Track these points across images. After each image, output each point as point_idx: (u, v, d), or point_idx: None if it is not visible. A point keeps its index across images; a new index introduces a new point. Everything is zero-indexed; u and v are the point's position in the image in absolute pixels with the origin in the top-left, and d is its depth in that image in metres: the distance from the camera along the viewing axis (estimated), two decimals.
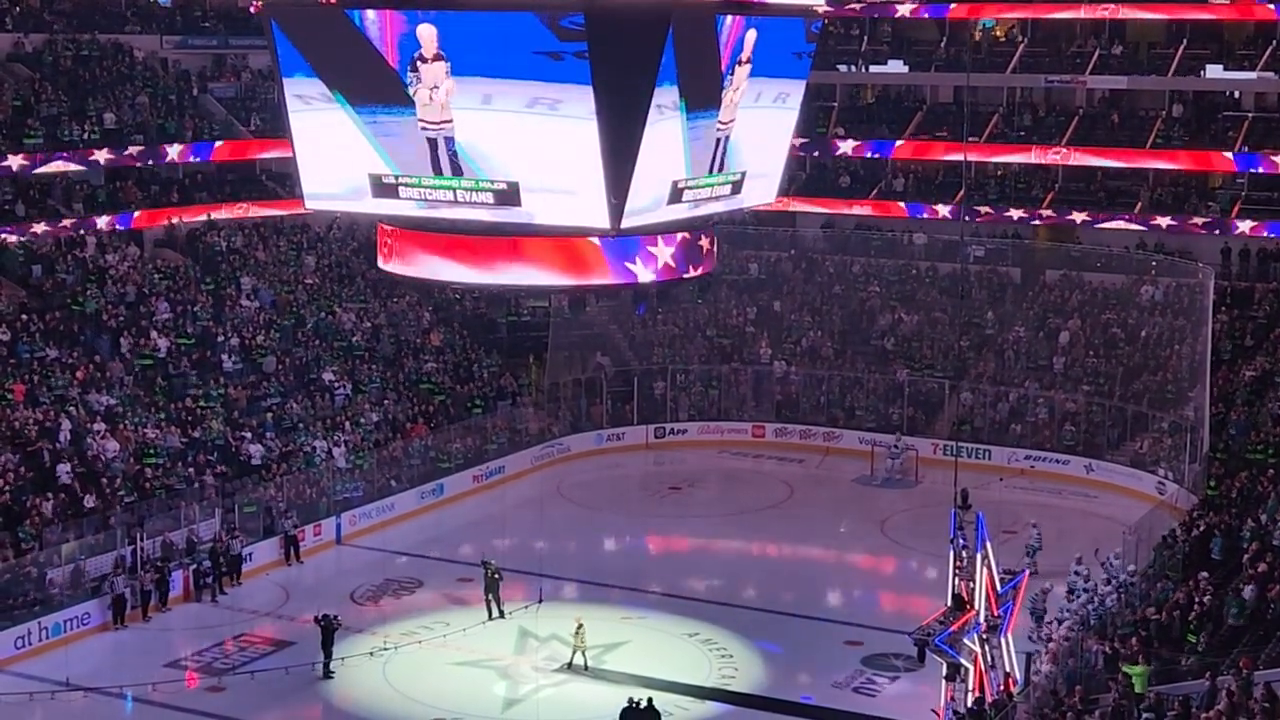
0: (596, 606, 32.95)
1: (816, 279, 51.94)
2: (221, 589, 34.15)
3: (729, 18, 20.22)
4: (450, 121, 19.78)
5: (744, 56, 20.76)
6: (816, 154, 53.82)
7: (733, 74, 20.74)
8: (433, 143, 20.02)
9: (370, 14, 19.69)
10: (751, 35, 20.65)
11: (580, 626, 29.78)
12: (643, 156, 19.25)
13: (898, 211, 52.56)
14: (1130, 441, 43.16)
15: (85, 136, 43.11)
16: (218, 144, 46.82)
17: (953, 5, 52.37)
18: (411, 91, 19.81)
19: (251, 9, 36.98)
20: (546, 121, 19.15)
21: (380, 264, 22.82)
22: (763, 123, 22.10)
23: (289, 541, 36.36)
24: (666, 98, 19.48)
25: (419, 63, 19.60)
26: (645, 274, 21.39)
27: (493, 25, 19.13)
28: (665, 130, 19.71)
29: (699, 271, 22.53)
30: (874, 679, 29.72)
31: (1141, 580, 30.07)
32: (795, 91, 22.63)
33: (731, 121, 21.19)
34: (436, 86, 19.61)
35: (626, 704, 26.22)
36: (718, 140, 21.11)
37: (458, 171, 20.04)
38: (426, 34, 19.41)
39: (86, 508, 33.76)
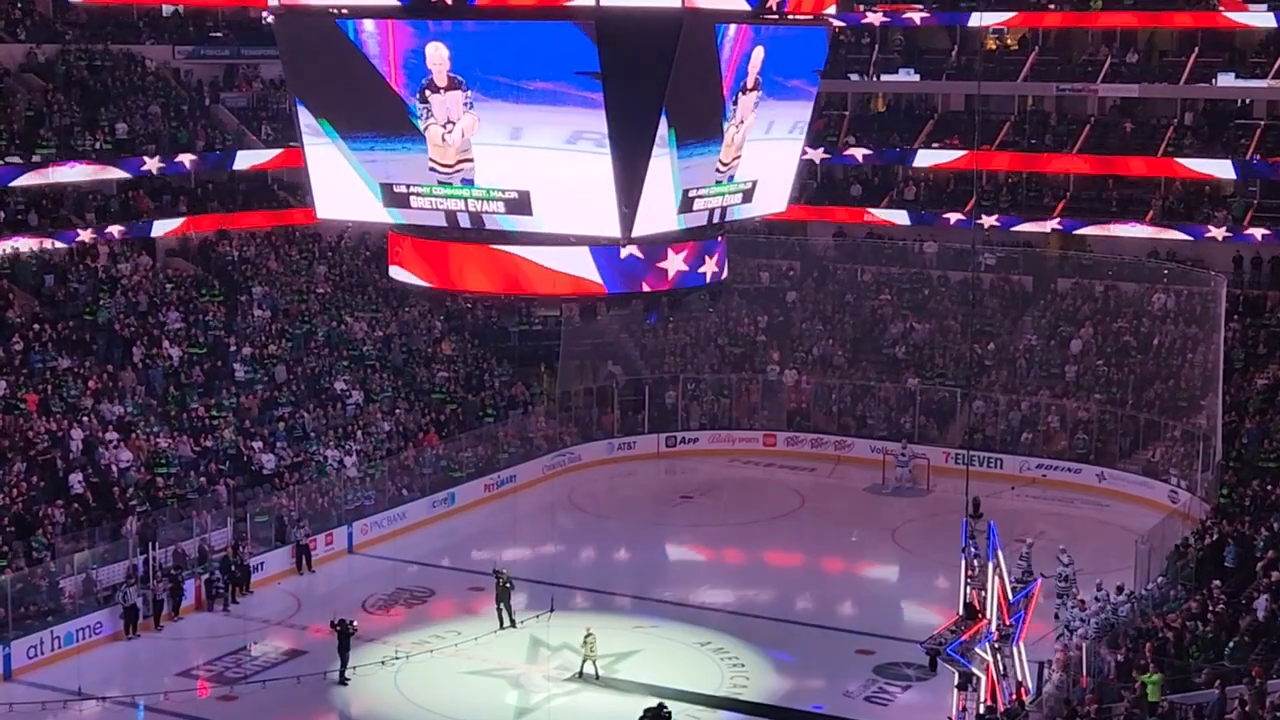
0: (608, 615, 32.95)
1: (828, 287, 51.92)
2: (233, 598, 34.19)
3: (730, 32, 17.26)
4: (470, 162, 17.04)
5: (749, 82, 18.00)
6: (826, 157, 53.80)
7: (736, 102, 17.90)
8: (444, 184, 17.78)
9: (368, 27, 16.78)
10: (759, 54, 17.87)
11: (589, 635, 29.75)
12: (651, 170, 17.76)
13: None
14: (1142, 450, 43.05)
15: (98, 146, 43.21)
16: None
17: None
18: (421, 126, 17.06)
19: (264, 20, 37.03)
20: (574, 153, 16.39)
21: (391, 273, 22.55)
22: (774, 153, 19.58)
23: (301, 550, 36.39)
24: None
25: (428, 92, 16.74)
26: (656, 283, 20.88)
27: (520, 41, 16.03)
28: (660, 164, 17.42)
29: (710, 280, 22.00)
30: (886, 688, 29.67)
31: (1156, 588, 30.02)
32: (808, 116, 20.00)
33: (735, 160, 18.46)
34: (451, 123, 16.72)
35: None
36: (719, 179, 18.75)
37: (468, 182, 19.71)
38: (436, 55, 16.42)
39: (98, 517, 33.81)
